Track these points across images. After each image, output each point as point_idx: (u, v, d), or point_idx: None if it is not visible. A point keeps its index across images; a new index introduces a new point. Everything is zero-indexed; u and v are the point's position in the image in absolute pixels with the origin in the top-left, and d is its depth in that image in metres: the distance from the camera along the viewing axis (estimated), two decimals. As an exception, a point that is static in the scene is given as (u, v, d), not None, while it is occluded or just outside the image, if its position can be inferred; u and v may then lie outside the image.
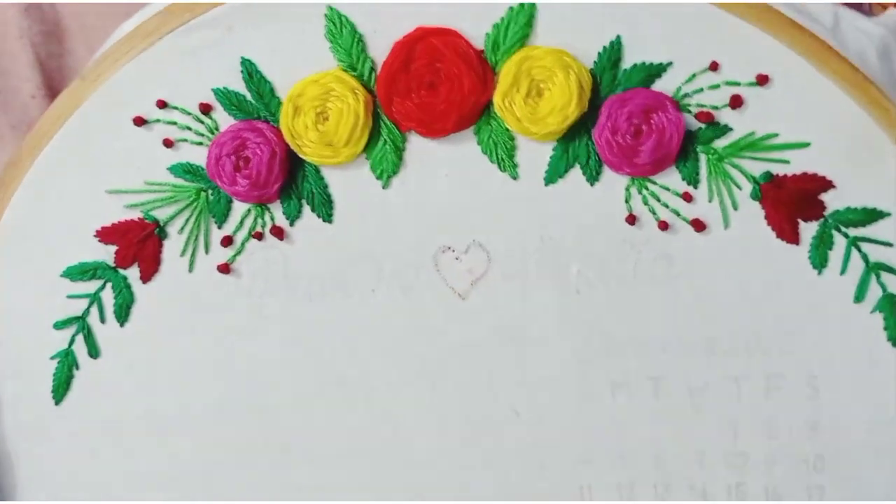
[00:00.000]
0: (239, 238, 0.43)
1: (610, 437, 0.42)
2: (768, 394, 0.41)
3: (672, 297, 0.41)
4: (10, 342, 0.44)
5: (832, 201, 0.39)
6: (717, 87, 0.39)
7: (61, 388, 0.44)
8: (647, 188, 0.40)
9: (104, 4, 0.58)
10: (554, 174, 0.41)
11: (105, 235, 0.43)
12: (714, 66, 0.39)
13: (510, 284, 0.42)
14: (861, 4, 0.43)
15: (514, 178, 0.41)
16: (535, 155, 0.41)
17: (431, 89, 0.40)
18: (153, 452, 0.44)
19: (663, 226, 0.40)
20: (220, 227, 0.42)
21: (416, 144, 0.41)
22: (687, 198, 0.40)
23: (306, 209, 0.42)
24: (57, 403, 0.44)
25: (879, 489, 0.41)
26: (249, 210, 0.42)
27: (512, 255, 0.42)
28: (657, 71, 0.39)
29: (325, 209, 0.42)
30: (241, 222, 0.42)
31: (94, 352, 0.44)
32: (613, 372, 0.42)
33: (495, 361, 0.42)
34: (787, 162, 0.39)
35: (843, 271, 0.40)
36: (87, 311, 0.44)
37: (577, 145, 0.40)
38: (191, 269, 0.43)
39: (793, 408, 0.41)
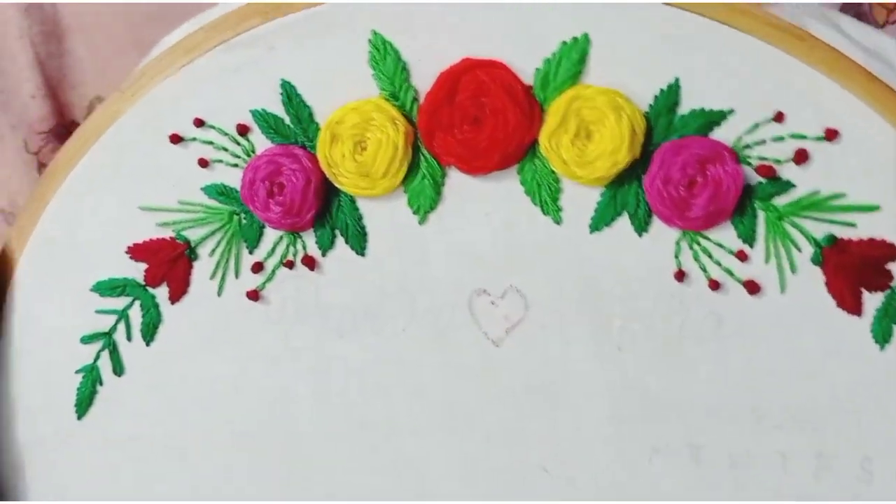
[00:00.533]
0: (270, 265, 0.41)
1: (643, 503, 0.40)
2: (817, 473, 0.38)
3: (720, 359, 0.38)
4: (36, 353, 0.44)
5: (901, 271, 0.36)
6: (781, 139, 0.36)
7: (84, 402, 0.43)
8: (698, 243, 0.38)
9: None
10: (600, 221, 0.38)
11: (136, 252, 0.42)
12: (779, 117, 0.36)
13: (547, 335, 0.40)
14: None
15: (558, 222, 0.39)
16: (581, 199, 0.38)
17: (475, 124, 0.38)
18: (170, 475, 0.43)
19: (714, 285, 0.38)
20: (251, 253, 0.41)
21: (456, 180, 0.39)
22: (741, 256, 0.37)
23: (340, 240, 0.40)
24: (79, 418, 0.44)
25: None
26: (282, 237, 0.41)
27: (551, 303, 0.39)
28: (717, 118, 0.37)
29: (358, 241, 0.40)
30: (273, 249, 0.41)
31: (118, 369, 0.43)
32: (652, 435, 0.39)
33: (527, 415, 0.40)
34: (853, 225, 0.36)
35: (909, 348, 0.37)
36: (114, 328, 0.43)
37: (626, 192, 0.38)
38: (220, 293, 0.42)
39: (843, 491, 0.38)
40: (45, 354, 0.44)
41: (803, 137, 0.36)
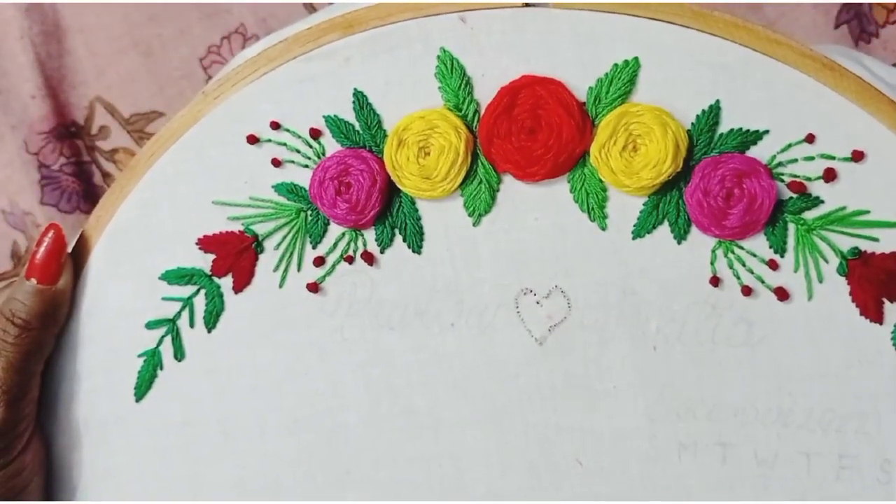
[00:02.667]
0: (331, 260, 0.44)
1: (671, 500, 0.42)
2: (839, 473, 0.41)
3: (749, 363, 0.41)
4: (101, 337, 0.46)
5: (920, 284, 0.39)
6: (811, 158, 0.40)
7: (143, 385, 0.46)
8: (733, 252, 0.41)
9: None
10: (642, 229, 0.42)
11: (206, 244, 0.45)
12: (810, 139, 0.40)
13: (587, 334, 0.42)
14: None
15: (603, 228, 0.42)
16: (625, 208, 0.42)
17: (531, 134, 0.42)
18: (220, 458, 0.45)
19: (746, 291, 0.41)
20: (314, 248, 0.44)
21: (510, 186, 0.43)
22: (773, 265, 0.41)
23: (398, 238, 0.44)
24: (137, 401, 0.46)
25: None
26: (344, 234, 0.44)
27: (592, 304, 0.42)
28: (753, 138, 0.40)
29: (415, 240, 0.43)
30: (335, 245, 0.44)
31: (179, 354, 0.45)
32: (682, 433, 0.42)
33: (565, 409, 0.43)
34: (876, 240, 0.40)
35: (927, 356, 0.40)
36: (178, 315, 0.45)
37: (667, 202, 0.41)
38: (281, 284, 0.45)
39: (863, 491, 0.40)
40: (110, 338, 0.46)
41: (832, 158, 0.40)
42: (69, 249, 0.46)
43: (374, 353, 0.44)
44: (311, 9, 0.60)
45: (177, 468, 0.46)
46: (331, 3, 0.49)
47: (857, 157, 0.40)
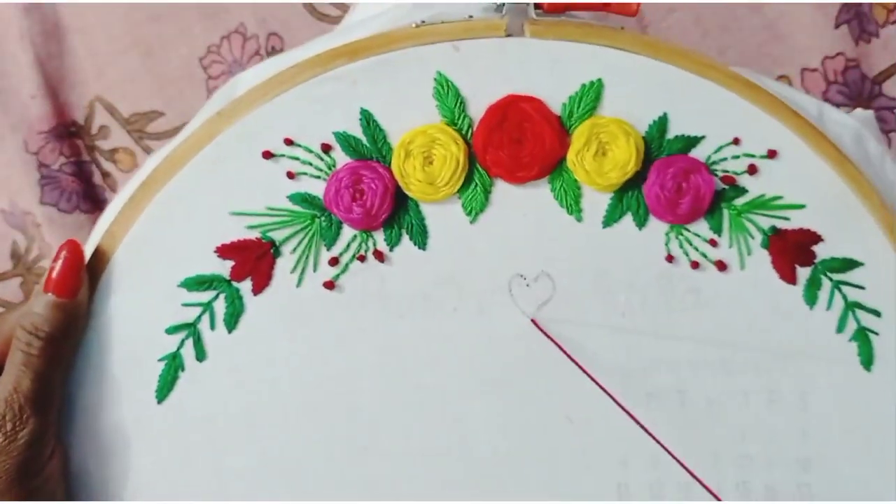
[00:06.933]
0: (344, 259, 0.50)
1: (644, 441, 0.51)
2: (769, 406, 0.51)
3: (698, 321, 0.51)
4: (121, 345, 0.49)
5: (821, 252, 0.51)
6: (738, 157, 0.51)
7: (165, 388, 0.49)
8: (682, 234, 0.51)
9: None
10: (610, 219, 0.51)
11: (224, 251, 0.49)
12: (736, 141, 0.50)
13: (569, 308, 0.51)
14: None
15: (579, 220, 0.50)
16: (595, 203, 0.50)
17: (518, 144, 0.49)
18: (242, 447, 0.50)
19: (694, 265, 0.51)
20: (328, 250, 0.50)
21: (501, 188, 0.50)
22: (713, 243, 0.51)
23: (405, 237, 0.50)
24: (159, 402, 0.49)
25: (858, 488, 0.51)
26: (356, 236, 0.50)
27: (572, 283, 0.51)
28: (693, 142, 0.50)
29: (421, 238, 0.50)
30: (348, 246, 0.50)
31: (200, 355, 0.49)
32: (649, 384, 0.51)
33: (553, 373, 0.51)
34: (787, 219, 0.51)
35: (828, 307, 0.51)
36: (198, 319, 0.49)
37: (629, 197, 0.50)
38: (298, 284, 0.50)
39: (788, 418, 0.51)
40: (130, 345, 0.49)
41: (753, 156, 0.51)
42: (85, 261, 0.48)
43: (386, 339, 0.50)
44: (311, 9, 0.62)
45: (199, 460, 0.49)
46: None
47: (772, 154, 0.50)
